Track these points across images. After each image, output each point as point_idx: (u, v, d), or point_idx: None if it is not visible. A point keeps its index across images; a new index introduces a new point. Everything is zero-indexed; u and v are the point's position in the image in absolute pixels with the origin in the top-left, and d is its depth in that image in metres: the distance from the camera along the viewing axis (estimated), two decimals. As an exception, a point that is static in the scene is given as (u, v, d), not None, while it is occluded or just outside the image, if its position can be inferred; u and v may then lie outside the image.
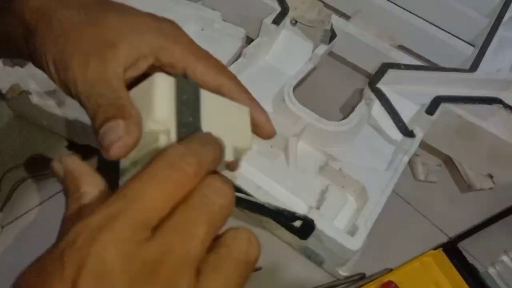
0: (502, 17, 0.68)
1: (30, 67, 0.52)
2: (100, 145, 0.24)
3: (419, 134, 0.56)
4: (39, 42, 0.26)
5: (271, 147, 0.53)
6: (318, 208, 0.47)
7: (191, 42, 0.30)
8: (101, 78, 0.25)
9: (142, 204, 0.18)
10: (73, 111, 0.51)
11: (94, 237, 0.17)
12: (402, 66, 0.59)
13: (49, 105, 0.51)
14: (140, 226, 0.18)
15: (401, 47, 0.69)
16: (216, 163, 0.22)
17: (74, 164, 0.24)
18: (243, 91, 0.29)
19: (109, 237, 0.17)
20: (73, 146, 0.55)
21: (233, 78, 0.29)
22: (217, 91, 0.28)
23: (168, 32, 0.30)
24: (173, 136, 0.23)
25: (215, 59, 0.29)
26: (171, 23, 0.31)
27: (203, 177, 0.21)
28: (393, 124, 0.56)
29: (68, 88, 0.26)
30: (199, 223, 0.19)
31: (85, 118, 0.51)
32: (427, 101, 0.57)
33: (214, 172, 0.22)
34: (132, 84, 0.26)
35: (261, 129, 0.29)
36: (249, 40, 0.62)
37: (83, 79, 0.25)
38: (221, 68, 0.29)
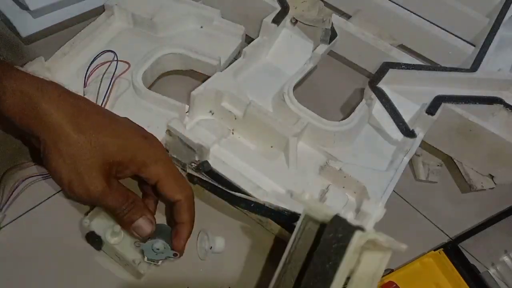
0: (503, 17, 0.68)
1: (30, 68, 0.52)
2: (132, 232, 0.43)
3: (420, 134, 0.56)
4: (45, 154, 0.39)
5: (271, 147, 0.53)
6: (318, 208, 0.47)
7: (166, 162, 0.43)
8: (112, 187, 0.40)
9: None
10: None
11: None
12: (403, 66, 0.59)
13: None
14: None
15: (402, 47, 0.69)
16: None
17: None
18: (189, 211, 0.43)
19: None
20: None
21: (188, 198, 0.43)
22: (176, 203, 0.43)
23: (151, 154, 0.42)
24: None
25: (181, 178, 0.43)
26: (152, 142, 0.44)
27: None
28: (394, 124, 0.56)
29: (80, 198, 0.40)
30: None
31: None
32: (428, 100, 0.57)
33: None
34: None
35: (174, 245, 0.43)
36: (249, 40, 0.61)
37: (100, 195, 0.39)
38: (182, 188, 0.43)
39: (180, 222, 0.43)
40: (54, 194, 0.51)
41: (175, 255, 0.43)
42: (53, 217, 0.49)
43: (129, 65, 0.54)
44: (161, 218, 0.49)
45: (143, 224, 0.41)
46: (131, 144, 0.41)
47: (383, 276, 0.50)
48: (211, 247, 0.48)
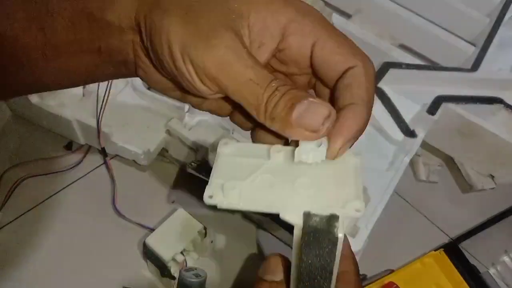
0: (503, 17, 0.68)
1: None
2: (297, 129, 0.21)
3: (421, 134, 0.56)
4: (156, 31, 0.22)
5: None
6: (318, 208, 0.47)
7: (323, 18, 0.25)
8: (255, 59, 0.22)
9: None
10: (72, 111, 0.51)
11: None
12: (403, 66, 0.59)
13: (49, 105, 0.51)
14: None
15: (402, 46, 0.69)
16: None
17: None
18: (367, 85, 0.23)
19: None
20: (72, 146, 0.55)
21: (367, 65, 0.24)
22: (344, 74, 0.23)
23: (298, 3, 0.24)
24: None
25: (350, 41, 0.24)
26: (305, 2, 0.25)
27: None
28: (394, 124, 0.56)
29: (208, 74, 0.22)
30: None
31: (84, 118, 0.51)
32: (428, 100, 0.57)
33: None
34: None
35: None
36: (249, 40, 0.61)
37: (237, 60, 0.21)
38: (355, 49, 0.24)
39: (350, 103, 0.23)
40: (54, 194, 0.51)
41: None
42: (53, 216, 0.48)
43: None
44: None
45: (314, 107, 0.21)
46: None
47: (382, 277, 0.50)
48: (212, 241, 0.48)
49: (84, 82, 0.28)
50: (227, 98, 0.23)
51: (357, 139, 0.23)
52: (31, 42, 0.23)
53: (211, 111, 0.27)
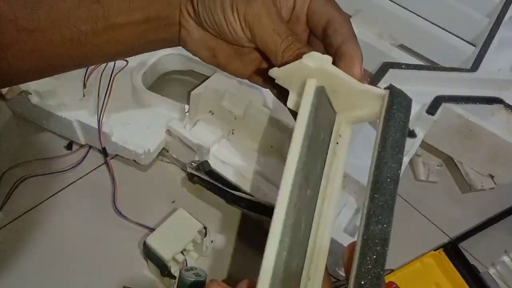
0: (503, 17, 0.68)
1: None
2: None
3: (420, 134, 0.56)
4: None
5: (271, 147, 0.53)
6: (318, 208, 0.47)
7: None
8: (279, 16, 0.28)
9: None
10: (73, 111, 0.51)
11: None
12: (403, 66, 0.59)
13: (49, 105, 0.51)
14: None
15: (402, 47, 0.69)
16: None
17: None
18: (349, 27, 0.31)
19: None
20: (72, 146, 0.55)
21: (346, 17, 0.31)
22: (329, 24, 0.31)
23: None
24: None
25: (335, 2, 0.32)
26: None
27: None
28: (394, 124, 0.56)
29: (246, 24, 0.28)
30: None
31: (85, 118, 0.51)
32: (428, 100, 0.57)
33: None
34: None
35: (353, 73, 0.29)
36: (249, 40, 0.61)
37: (267, 15, 0.28)
38: (337, 8, 0.32)
39: (341, 43, 0.29)
40: (54, 194, 0.51)
41: None
42: (53, 217, 0.49)
43: (127, 62, 0.54)
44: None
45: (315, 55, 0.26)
46: None
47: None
48: (212, 241, 0.48)
49: (125, 53, 0.30)
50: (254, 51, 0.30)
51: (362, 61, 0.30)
52: (83, 15, 0.27)
53: (233, 71, 0.32)
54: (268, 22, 0.28)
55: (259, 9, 0.28)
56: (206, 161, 0.47)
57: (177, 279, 0.41)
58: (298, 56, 0.26)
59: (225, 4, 0.28)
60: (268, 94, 0.57)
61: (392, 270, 0.51)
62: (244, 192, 0.47)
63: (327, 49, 0.31)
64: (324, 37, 0.31)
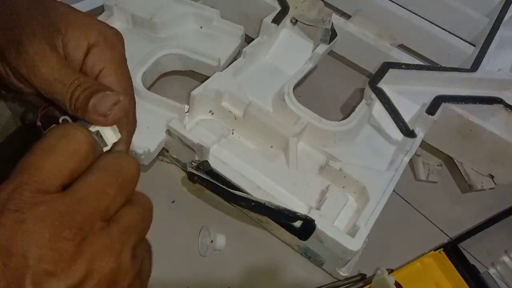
0: (503, 17, 0.68)
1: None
2: (92, 115, 0.25)
3: (420, 134, 0.56)
4: None
5: (271, 147, 0.53)
6: (318, 208, 0.47)
7: (121, 55, 0.30)
8: (60, 61, 0.26)
9: (39, 175, 0.20)
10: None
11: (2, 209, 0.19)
12: (403, 66, 0.59)
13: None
14: (41, 191, 0.20)
15: (402, 47, 0.69)
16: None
17: None
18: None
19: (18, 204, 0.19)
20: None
21: (130, 100, 0.30)
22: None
23: (108, 36, 0.29)
24: None
25: (129, 82, 0.30)
26: (115, 32, 0.30)
27: (114, 152, 0.25)
28: (394, 124, 0.56)
29: (22, 75, 0.26)
30: (111, 186, 0.22)
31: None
32: (428, 100, 0.57)
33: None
34: None
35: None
36: (249, 40, 0.61)
37: (44, 63, 0.25)
38: (127, 91, 0.30)
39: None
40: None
41: None
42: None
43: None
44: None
45: (106, 97, 0.25)
46: (87, 20, 0.29)
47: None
48: (212, 241, 0.48)
49: None
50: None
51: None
52: None
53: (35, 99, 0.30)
54: (47, 73, 0.25)
55: (33, 60, 0.25)
56: (206, 161, 0.47)
57: None
58: (90, 95, 0.25)
59: None
60: (268, 94, 0.57)
61: (392, 270, 0.51)
62: (244, 192, 0.47)
63: None
64: None
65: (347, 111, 0.66)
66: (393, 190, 0.50)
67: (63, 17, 0.28)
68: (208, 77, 0.54)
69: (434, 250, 0.53)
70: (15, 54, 0.25)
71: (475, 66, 0.60)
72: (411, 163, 0.63)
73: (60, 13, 0.28)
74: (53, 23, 0.27)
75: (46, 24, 0.27)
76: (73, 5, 0.48)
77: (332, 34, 0.61)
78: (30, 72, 0.25)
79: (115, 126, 0.27)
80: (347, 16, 0.72)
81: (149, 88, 0.56)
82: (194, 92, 0.51)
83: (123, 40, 0.31)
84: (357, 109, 0.56)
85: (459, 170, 0.62)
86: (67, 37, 0.28)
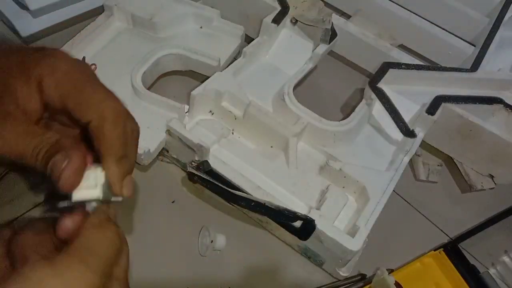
0: (503, 17, 0.68)
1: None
2: (52, 176, 0.27)
3: (420, 134, 0.56)
4: None
5: (271, 147, 0.53)
6: (318, 208, 0.47)
7: (68, 71, 0.29)
8: (18, 131, 0.27)
9: None
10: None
11: None
12: (403, 66, 0.59)
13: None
14: None
15: (402, 47, 0.69)
16: None
17: None
18: (109, 140, 0.29)
19: None
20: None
21: (104, 117, 0.28)
22: (87, 125, 0.29)
23: (46, 64, 0.29)
24: None
25: (91, 90, 0.29)
26: (51, 53, 0.30)
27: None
28: (394, 124, 0.56)
29: None
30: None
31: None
32: (428, 100, 0.57)
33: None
34: None
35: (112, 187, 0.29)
36: (249, 40, 0.61)
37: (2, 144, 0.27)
38: (93, 104, 0.29)
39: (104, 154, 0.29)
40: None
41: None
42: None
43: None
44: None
45: (60, 160, 0.27)
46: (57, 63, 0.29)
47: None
48: (212, 241, 0.48)
49: None
50: None
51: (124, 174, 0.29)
52: None
53: None
54: (9, 150, 0.27)
55: None
56: (206, 161, 0.47)
57: None
58: (47, 157, 0.27)
59: None
60: (268, 94, 0.57)
61: (392, 270, 0.51)
62: (244, 192, 0.47)
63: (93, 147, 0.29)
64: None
65: (347, 111, 0.66)
66: (393, 190, 0.50)
67: (2, 76, 0.28)
68: (208, 77, 0.54)
69: (434, 250, 0.53)
70: None
71: (475, 66, 0.60)
72: (411, 163, 0.63)
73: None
74: (3, 84, 0.28)
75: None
76: (73, 5, 0.48)
77: (332, 34, 0.61)
78: None
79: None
80: (347, 16, 0.72)
81: (149, 88, 0.56)
82: (194, 92, 0.51)
83: (61, 53, 0.30)
84: (357, 109, 0.56)
85: (459, 170, 0.62)
86: (19, 95, 0.28)
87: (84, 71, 0.30)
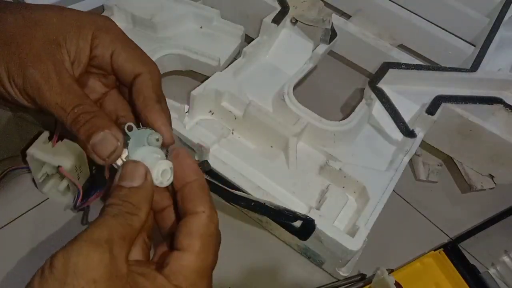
0: (503, 17, 0.68)
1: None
2: (91, 153, 0.27)
3: (420, 134, 0.56)
4: None
5: (271, 147, 0.53)
6: (318, 208, 0.47)
7: (121, 33, 0.32)
8: (64, 83, 0.28)
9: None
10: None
11: None
12: (403, 66, 0.59)
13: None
14: None
15: (402, 47, 0.69)
16: None
17: None
18: (154, 88, 0.31)
19: None
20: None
21: (152, 72, 0.32)
22: (135, 80, 0.31)
23: (101, 24, 0.32)
24: None
25: (141, 52, 0.32)
26: (105, 17, 0.33)
27: None
28: (394, 124, 0.56)
29: (28, 96, 0.28)
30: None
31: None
32: (428, 100, 0.57)
33: None
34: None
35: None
36: (249, 39, 0.61)
37: (47, 87, 0.27)
38: (143, 61, 0.32)
39: (143, 107, 0.30)
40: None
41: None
42: (53, 217, 0.48)
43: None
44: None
45: (106, 140, 0.27)
46: (76, 19, 0.31)
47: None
48: None
49: None
50: None
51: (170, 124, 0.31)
52: None
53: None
54: (50, 96, 0.27)
55: (38, 79, 0.27)
56: (206, 161, 0.47)
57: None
58: (90, 131, 0.27)
59: (2, 74, 0.28)
60: (268, 94, 0.57)
61: (392, 270, 0.51)
62: (244, 192, 0.47)
63: (133, 108, 0.32)
64: (130, 95, 0.31)
65: (347, 111, 0.66)
66: (393, 190, 0.50)
67: (57, 29, 0.29)
68: (208, 77, 0.54)
69: (434, 250, 0.53)
70: (23, 77, 0.27)
71: (475, 66, 0.60)
72: (411, 163, 0.63)
73: (53, 25, 0.29)
74: (51, 39, 0.29)
75: (46, 43, 0.29)
76: (73, 5, 0.49)
77: (332, 34, 0.61)
78: (35, 93, 0.27)
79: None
80: (347, 16, 0.72)
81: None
82: (194, 92, 0.51)
83: (113, 20, 0.33)
84: (357, 109, 0.56)
85: (459, 170, 0.62)
86: (68, 47, 0.29)
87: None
